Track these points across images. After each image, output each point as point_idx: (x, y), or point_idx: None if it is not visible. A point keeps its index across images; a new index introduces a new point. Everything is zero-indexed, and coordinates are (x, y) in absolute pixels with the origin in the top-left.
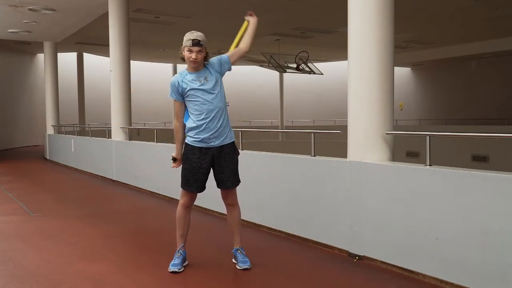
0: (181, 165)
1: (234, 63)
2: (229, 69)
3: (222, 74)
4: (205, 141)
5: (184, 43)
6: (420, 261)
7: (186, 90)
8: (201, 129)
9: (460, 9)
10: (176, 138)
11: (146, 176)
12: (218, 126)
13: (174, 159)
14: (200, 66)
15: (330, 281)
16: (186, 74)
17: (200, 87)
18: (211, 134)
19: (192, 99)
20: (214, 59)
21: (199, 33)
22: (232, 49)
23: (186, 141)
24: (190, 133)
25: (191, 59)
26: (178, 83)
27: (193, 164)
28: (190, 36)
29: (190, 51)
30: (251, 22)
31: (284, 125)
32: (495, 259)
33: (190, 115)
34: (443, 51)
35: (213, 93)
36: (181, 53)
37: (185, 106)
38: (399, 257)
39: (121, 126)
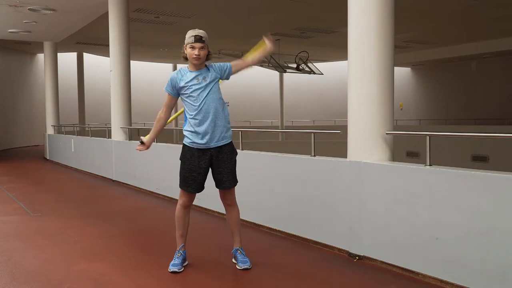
0: (180, 165)
1: (236, 73)
2: (227, 78)
3: (221, 78)
4: (202, 142)
5: (186, 41)
6: (420, 261)
7: (183, 87)
8: (197, 129)
9: (460, 9)
10: (155, 126)
11: (146, 176)
12: (214, 127)
13: (142, 142)
14: (201, 64)
15: (330, 281)
16: (186, 72)
17: (198, 87)
18: (207, 135)
19: (188, 98)
20: (217, 64)
21: (201, 30)
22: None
23: (184, 142)
24: (187, 134)
25: (194, 56)
26: (177, 79)
27: (191, 164)
28: (192, 33)
29: (193, 47)
30: (267, 45)
31: (284, 125)
32: (495, 259)
33: (187, 115)
34: (443, 51)
35: (209, 94)
36: (183, 52)
37: (184, 108)
38: (399, 257)
39: (121, 126)
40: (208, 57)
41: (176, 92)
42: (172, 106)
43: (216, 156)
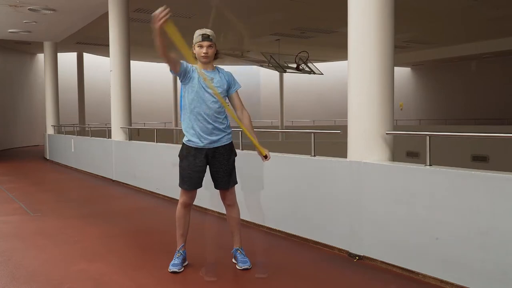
0: (178, 164)
1: (228, 101)
2: (227, 94)
3: (227, 88)
4: (198, 141)
5: (194, 40)
6: (420, 261)
7: (193, 78)
8: (193, 128)
9: (460, 9)
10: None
11: (146, 176)
12: (211, 128)
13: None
14: (210, 64)
15: (330, 281)
16: (198, 69)
17: (204, 86)
18: (202, 134)
19: (190, 94)
20: (232, 75)
21: (208, 29)
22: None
23: (183, 140)
24: (185, 132)
25: (202, 54)
26: (191, 67)
27: (188, 162)
28: (199, 32)
29: (201, 46)
30: (262, 152)
31: (284, 125)
32: (495, 259)
33: (185, 112)
34: (443, 51)
35: (212, 96)
36: (192, 52)
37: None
38: (399, 257)
39: (121, 126)
40: (216, 55)
41: (183, 76)
42: (175, 61)
43: (212, 156)
